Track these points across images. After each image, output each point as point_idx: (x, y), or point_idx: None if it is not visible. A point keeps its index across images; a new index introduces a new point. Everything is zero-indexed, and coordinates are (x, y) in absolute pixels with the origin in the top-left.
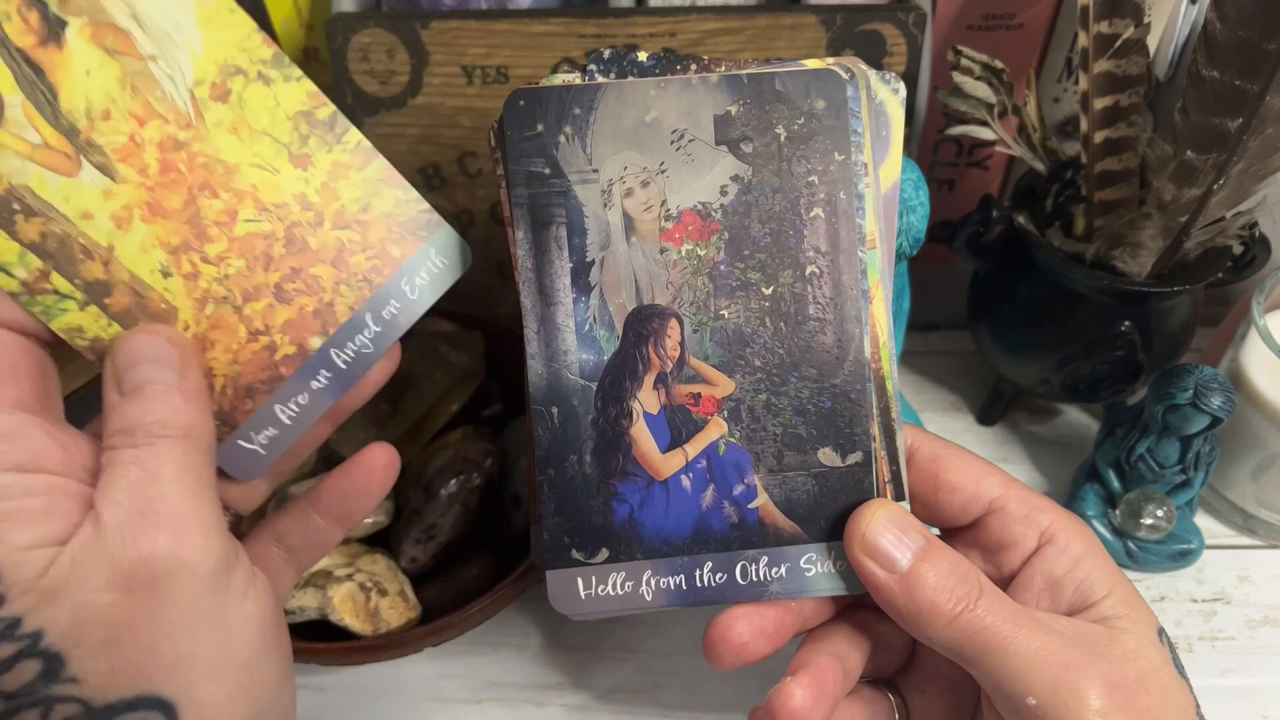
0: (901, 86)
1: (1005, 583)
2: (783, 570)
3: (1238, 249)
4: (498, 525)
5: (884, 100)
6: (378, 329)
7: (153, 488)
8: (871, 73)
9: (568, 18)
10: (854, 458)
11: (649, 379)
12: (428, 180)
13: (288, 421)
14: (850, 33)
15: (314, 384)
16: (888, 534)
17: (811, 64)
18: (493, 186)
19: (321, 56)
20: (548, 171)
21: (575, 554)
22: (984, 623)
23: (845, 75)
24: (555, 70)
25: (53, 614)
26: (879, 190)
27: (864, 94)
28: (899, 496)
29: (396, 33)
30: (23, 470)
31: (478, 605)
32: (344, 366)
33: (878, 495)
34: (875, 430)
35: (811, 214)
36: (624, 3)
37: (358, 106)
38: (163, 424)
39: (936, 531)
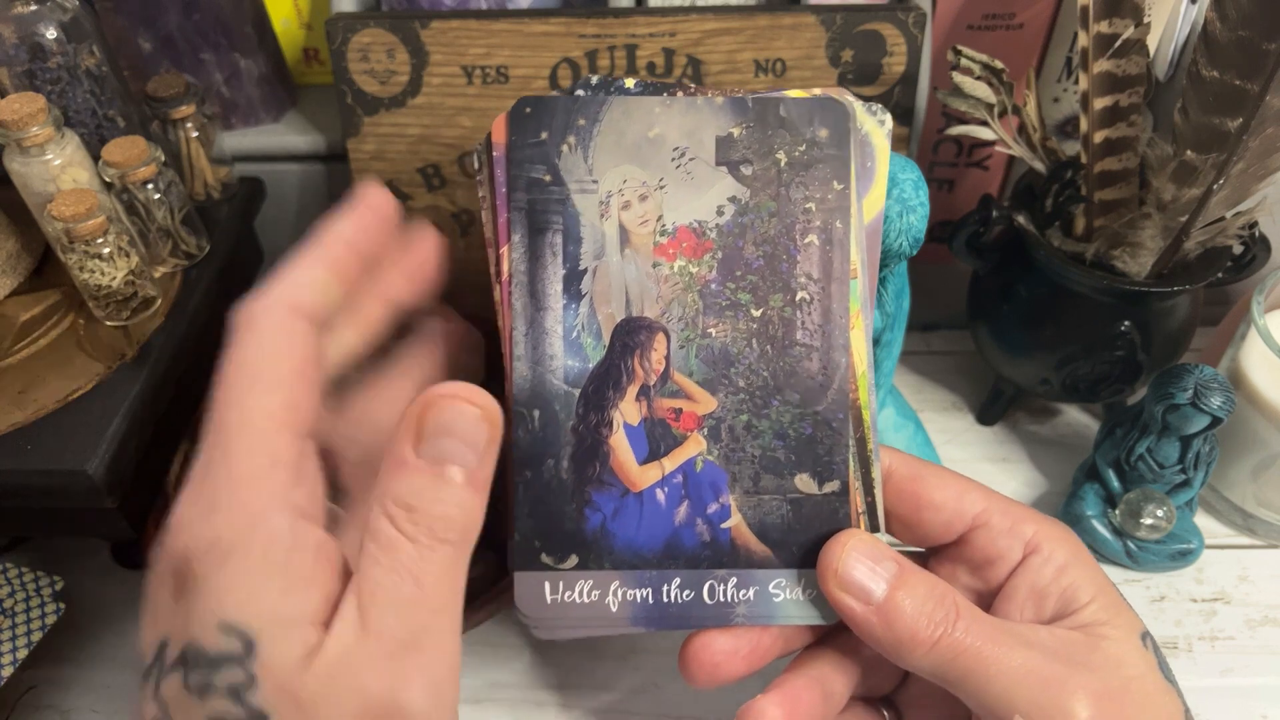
0: (888, 118)
1: (993, 595)
2: (750, 593)
3: (1238, 249)
4: (500, 525)
5: (869, 131)
6: None
7: (422, 617)
8: (858, 104)
9: (568, 18)
10: (831, 486)
11: (632, 390)
12: (427, 180)
13: None
14: (850, 33)
15: None
16: (861, 565)
17: (796, 93)
18: None
19: (321, 56)
20: (548, 179)
21: (545, 558)
22: (964, 645)
23: (848, 105)
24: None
25: None
26: (862, 220)
27: (850, 125)
28: (874, 527)
29: (396, 33)
30: (303, 515)
31: (480, 605)
32: None
33: (852, 525)
34: (851, 460)
35: (806, 240)
36: (624, 3)
37: (357, 106)
38: (447, 523)
39: (921, 551)
